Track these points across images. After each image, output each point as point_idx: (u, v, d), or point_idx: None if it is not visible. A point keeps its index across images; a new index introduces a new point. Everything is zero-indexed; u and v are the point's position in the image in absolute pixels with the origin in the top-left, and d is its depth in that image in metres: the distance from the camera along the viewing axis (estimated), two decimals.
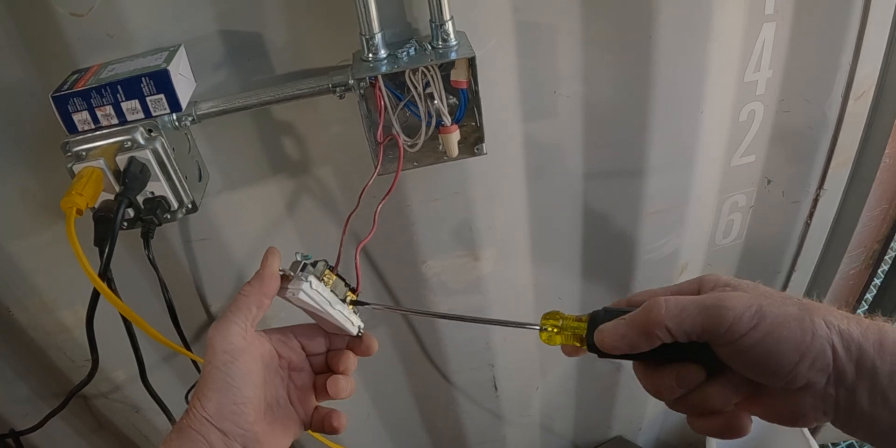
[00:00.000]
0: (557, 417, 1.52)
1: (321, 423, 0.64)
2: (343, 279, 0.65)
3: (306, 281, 0.60)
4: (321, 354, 0.67)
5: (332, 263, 0.65)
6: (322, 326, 0.66)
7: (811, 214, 1.21)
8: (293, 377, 0.65)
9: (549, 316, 0.57)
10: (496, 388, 1.29)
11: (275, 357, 0.63)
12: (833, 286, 1.36)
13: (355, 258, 0.67)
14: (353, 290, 0.66)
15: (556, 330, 0.56)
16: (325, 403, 0.67)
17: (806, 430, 1.37)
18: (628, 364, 0.54)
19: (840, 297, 1.41)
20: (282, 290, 0.60)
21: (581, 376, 1.41)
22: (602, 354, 0.53)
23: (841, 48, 0.97)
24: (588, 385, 1.43)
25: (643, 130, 0.95)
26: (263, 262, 0.61)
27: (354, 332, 0.65)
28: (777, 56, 0.96)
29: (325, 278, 0.62)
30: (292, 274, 0.61)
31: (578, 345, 0.56)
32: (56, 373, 1.04)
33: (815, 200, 1.18)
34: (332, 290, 0.63)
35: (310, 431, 0.65)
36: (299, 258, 0.62)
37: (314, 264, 0.62)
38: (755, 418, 0.51)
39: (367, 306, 0.66)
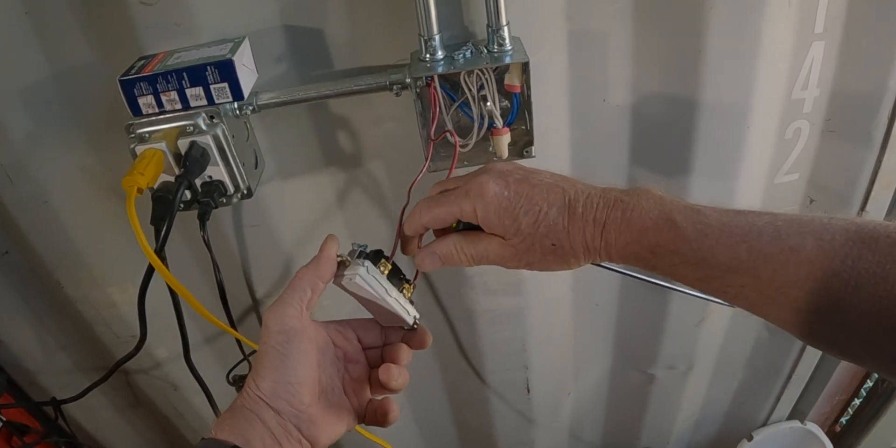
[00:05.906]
0: (587, 424, 1.51)
1: (374, 414, 0.64)
2: (399, 269, 0.65)
3: (363, 266, 0.60)
4: (377, 348, 0.67)
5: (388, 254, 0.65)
6: (377, 318, 0.66)
7: None
8: (349, 369, 0.65)
9: None
10: (529, 391, 1.29)
11: (331, 345, 0.64)
12: None
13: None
14: (409, 282, 0.66)
15: None
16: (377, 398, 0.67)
17: None
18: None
19: None
20: (337, 278, 0.61)
21: (613, 384, 1.41)
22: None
23: (889, 70, 0.96)
24: (620, 393, 1.43)
25: (688, 143, 0.96)
26: (322, 247, 0.62)
27: (410, 321, 0.65)
28: (825, 75, 0.96)
29: (380, 267, 0.63)
30: (349, 260, 0.61)
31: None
32: (99, 346, 1.07)
33: None
34: (388, 279, 0.63)
35: (360, 426, 0.65)
36: (356, 247, 0.63)
37: (370, 253, 0.63)
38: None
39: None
